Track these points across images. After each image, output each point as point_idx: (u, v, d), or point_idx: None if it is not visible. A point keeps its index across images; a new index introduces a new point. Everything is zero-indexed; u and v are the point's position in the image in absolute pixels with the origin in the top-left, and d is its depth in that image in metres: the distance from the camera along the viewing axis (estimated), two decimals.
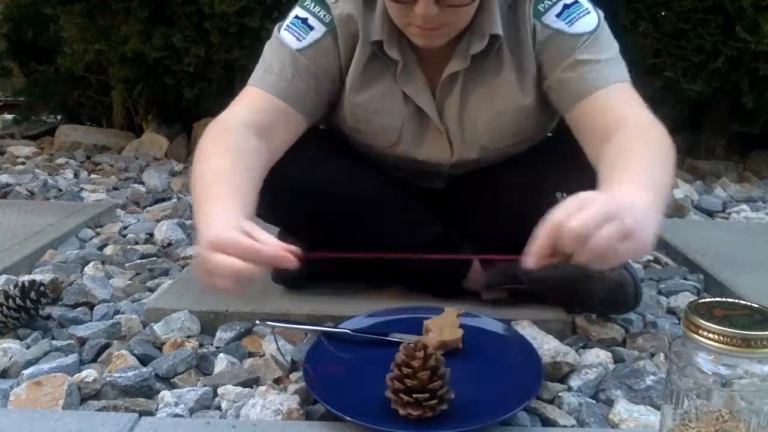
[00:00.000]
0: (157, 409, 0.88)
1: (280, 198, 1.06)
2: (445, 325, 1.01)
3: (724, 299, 0.68)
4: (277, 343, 1.02)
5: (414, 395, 0.78)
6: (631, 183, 0.77)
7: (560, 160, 1.05)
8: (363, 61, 1.06)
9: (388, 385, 0.82)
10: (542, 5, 1.02)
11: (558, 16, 1.02)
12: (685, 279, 1.41)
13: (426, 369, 0.79)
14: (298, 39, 1.05)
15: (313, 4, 1.07)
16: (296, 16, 1.07)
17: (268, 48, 1.07)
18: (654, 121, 0.94)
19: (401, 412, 0.79)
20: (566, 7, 1.02)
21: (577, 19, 1.01)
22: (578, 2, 1.03)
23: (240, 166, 0.89)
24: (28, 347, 1.06)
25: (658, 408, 0.87)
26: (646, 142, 0.89)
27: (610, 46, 1.03)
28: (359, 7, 1.05)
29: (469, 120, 1.10)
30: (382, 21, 1.03)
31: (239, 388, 0.92)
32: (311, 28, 1.05)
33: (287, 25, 1.07)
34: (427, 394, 0.78)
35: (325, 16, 1.05)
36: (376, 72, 1.08)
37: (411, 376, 0.79)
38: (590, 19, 1.02)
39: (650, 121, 0.94)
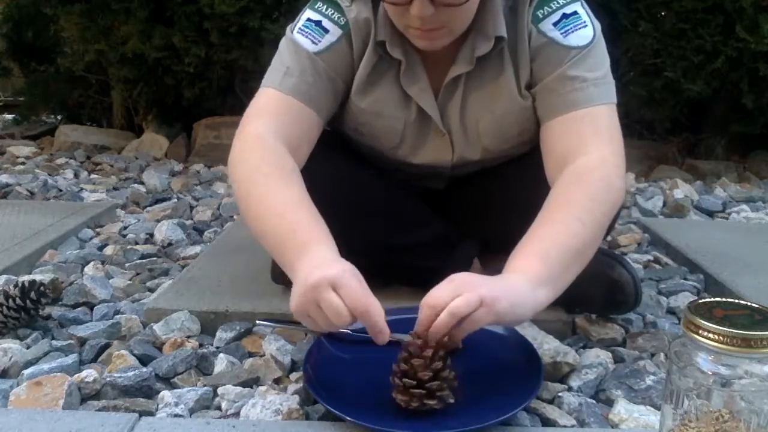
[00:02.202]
0: (157, 409, 0.88)
1: None
2: None
3: (724, 299, 0.68)
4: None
5: (426, 385, 0.79)
6: (521, 272, 0.85)
7: None
8: (371, 64, 1.06)
9: (395, 383, 0.81)
10: (541, 11, 1.02)
11: (555, 24, 1.01)
12: (685, 279, 1.41)
13: (437, 360, 0.80)
14: (313, 42, 1.03)
15: (325, 6, 1.05)
16: (308, 19, 1.05)
17: (285, 49, 1.05)
18: (602, 161, 0.95)
19: (411, 404, 0.79)
20: (565, 16, 1.01)
21: (572, 31, 1.01)
22: (577, 13, 1.02)
23: (306, 193, 0.93)
24: (28, 347, 1.06)
25: (658, 408, 0.87)
26: (575, 202, 0.91)
27: (601, 64, 1.02)
28: (370, 9, 1.04)
29: (471, 121, 1.10)
30: (385, 21, 1.02)
31: (239, 388, 0.92)
32: (326, 30, 1.04)
33: (300, 28, 1.05)
34: (437, 382, 0.79)
35: (339, 18, 1.04)
36: (380, 74, 1.07)
37: (421, 367, 0.79)
38: (586, 32, 1.01)
39: (598, 163, 0.95)
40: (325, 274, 0.79)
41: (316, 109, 1.03)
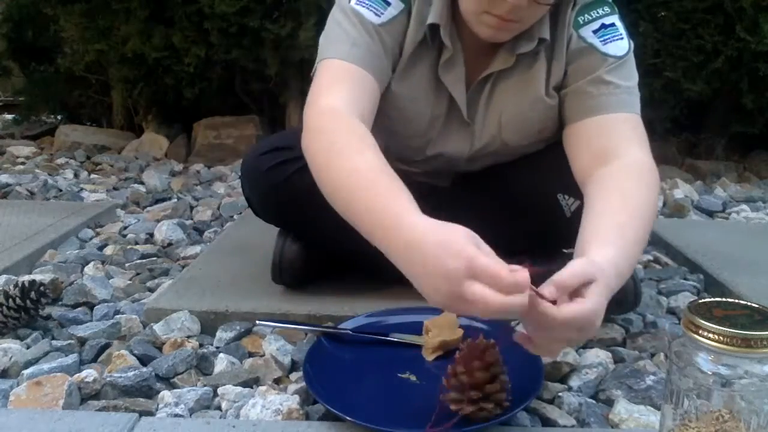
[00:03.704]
0: (157, 409, 0.88)
1: (278, 197, 1.06)
2: (445, 325, 1.01)
3: (724, 299, 0.68)
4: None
5: (485, 386, 0.78)
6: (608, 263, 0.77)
7: (563, 162, 1.05)
8: (413, 46, 1.06)
9: (449, 377, 0.80)
10: (582, 17, 1.04)
11: (595, 32, 1.04)
12: (685, 279, 1.41)
13: (496, 364, 0.79)
14: (376, 14, 1.03)
15: None
16: None
17: (347, 21, 1.03)
18: (651, 166, 0.96)
19: (467, 409, 0.78)
20: (603, 26, 1.04)
21: (611, 41, 1.03)
22: (615, 25, 1.05)
23: (383, 160, 0.86)
24: (28, 347, 1.06)
25: (658, 408, 0.87)
26: (634, 195, 0.90)
27: (633, 76, 1.04)
28: None
29: (495, 114, 1.10)
30: (444, 5, 1.02)
31: (239, 388, 0.92)
32: (388, 3, 1.03)
33: (359, 1, 1.03)
34: (498, 385, 0.79)
35: None
36: (419, 58, 1.07)
37: (480, 368, 0.78)
38: (622, 44, 1.04)
39: (649, 166, 0.95)
40: (457, 265, 0.68)
41: (379, 81, 1.02)
